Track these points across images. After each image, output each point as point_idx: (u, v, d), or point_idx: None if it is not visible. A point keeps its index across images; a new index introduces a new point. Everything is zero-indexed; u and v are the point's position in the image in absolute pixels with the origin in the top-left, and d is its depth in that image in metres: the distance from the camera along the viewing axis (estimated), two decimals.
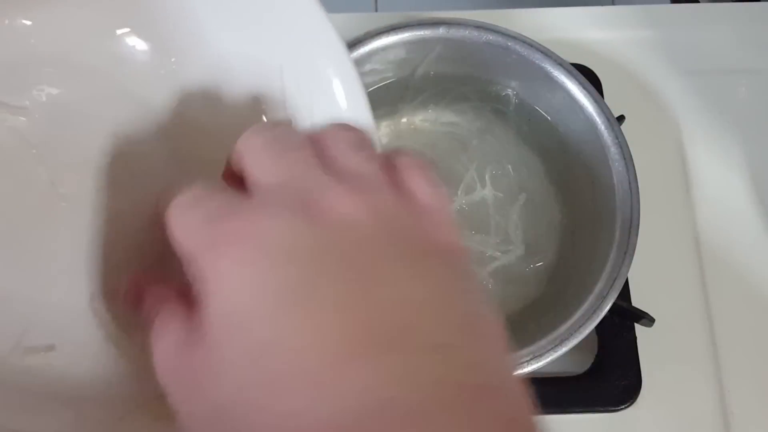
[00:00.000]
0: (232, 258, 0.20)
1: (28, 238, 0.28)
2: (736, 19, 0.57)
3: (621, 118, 0.49)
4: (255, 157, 0.23)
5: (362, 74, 0.46)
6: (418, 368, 0.19)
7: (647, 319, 0.45)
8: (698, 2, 0.90)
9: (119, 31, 0.30)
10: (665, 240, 0.50)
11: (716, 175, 0.52)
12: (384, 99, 0.49)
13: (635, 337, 0.46)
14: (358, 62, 0.46)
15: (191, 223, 0.21)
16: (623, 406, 0.45)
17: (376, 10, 1.17)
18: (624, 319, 0.46)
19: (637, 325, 0.46)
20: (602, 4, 0.58)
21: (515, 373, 0.21)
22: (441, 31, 0.47)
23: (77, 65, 0.29)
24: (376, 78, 0.49)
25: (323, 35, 0.29)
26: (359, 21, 0.49)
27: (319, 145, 0.23)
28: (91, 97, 0.30)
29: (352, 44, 0.45)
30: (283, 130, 0.24)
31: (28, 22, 0.28)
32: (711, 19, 0.57)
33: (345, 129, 0.24)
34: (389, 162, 0.23)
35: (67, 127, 0.29)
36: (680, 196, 0.51)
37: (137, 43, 0.30)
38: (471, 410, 0.19)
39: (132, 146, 0.30)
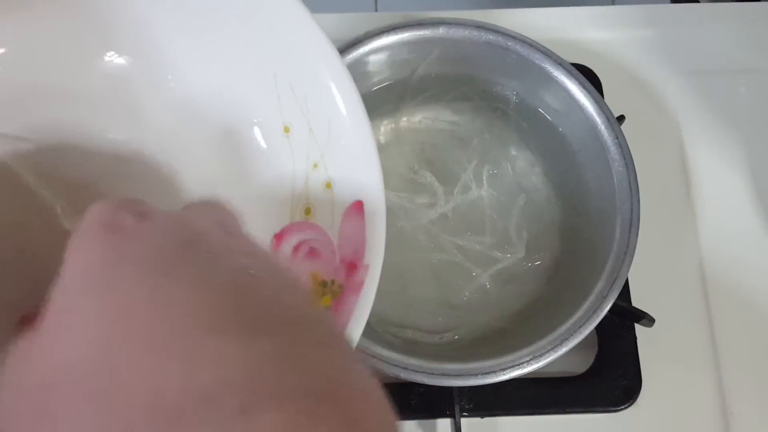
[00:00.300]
0: (101, 236, 0.21)
1: (34, 262, 0.28)
2: (736, 19, 0.57)
3: (621, 118, 0.49)
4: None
5: (362, 75, 0.47)
6: (300, 356, 0.19)
7: (647, 319, 0.45)
8: (698, 2, 0.90)
9: (108, 55, 0.30)
10: (665, 240, 0.50)
11: (716, 175, 0.52)
12: (384, 99, 0.49)
13: (635, 337, 0.46)
14: (358, 62, 0.46)
15: (99, 209, 0.22)
16: (623, 406, 0.45)
17: (376, 10, 1.17)
18: (624, 319, 0.46)
19: (637, 325, 0.46)
20: (602, 4, 0.58)
21: (376, 384, 0.21)
22: (441, 31, 0.46)
23: (72, 91, 0.29)
24: (376, 78, 0.49)
25: (313, 40, 0.29)
26: (359, 21, 0.49)
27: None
28: (89, 120, 0.30)
29: (352, 44, 0.45)
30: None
31: (10, 53, 0.28)
32: (711, 19, 0.57)
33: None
34: None
35: (69, 151, 0.29)
36: (680, 196, 0.51)
37: (131, 65, 0.30)
38: (347, 408, 0.18)
39: (132, 166, 0.30)
